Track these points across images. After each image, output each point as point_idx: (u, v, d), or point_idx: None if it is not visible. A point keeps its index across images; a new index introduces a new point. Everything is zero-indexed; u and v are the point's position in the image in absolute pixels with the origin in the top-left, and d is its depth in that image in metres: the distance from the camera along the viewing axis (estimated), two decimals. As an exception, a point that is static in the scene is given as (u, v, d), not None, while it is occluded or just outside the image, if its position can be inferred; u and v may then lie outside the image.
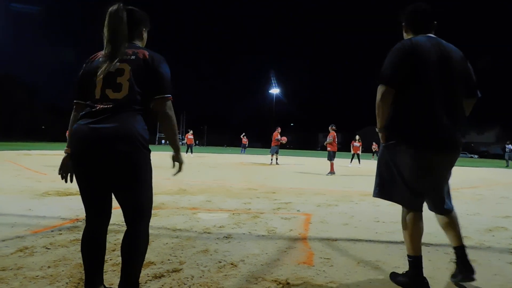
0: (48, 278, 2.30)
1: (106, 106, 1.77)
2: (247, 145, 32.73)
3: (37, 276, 2.34)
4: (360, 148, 19.43)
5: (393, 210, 4.83)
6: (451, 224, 2.41)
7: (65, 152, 1.97)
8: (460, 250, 2.38)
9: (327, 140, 11.98)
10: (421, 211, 2.32)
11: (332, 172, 11.75)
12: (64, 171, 2.03)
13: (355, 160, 19.23)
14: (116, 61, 1.82)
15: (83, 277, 2.22)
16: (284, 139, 16.56)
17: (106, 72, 1.81)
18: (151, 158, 1.90)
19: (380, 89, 2.25)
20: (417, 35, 2.37)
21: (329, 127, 12.10)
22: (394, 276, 2.46)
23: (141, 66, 1.83)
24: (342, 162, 18.85)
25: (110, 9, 1.87)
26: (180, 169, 2.07)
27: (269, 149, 16.96)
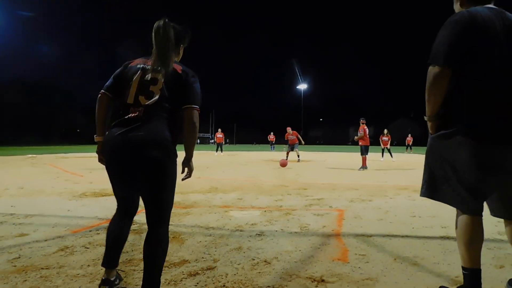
0: (89, 276, 2.37)
1: (137, 114, 1.92)
2: (274, 142, 32.74)
3: (78, 274, 2.42)
4: (389, 142, 18.96)
5: (431, 204, 4.67)
6: None
7: (97, 141, 2.15)
8: None
9: (358, 134, 11.76)
10: (481, 215, 1.96)
11: (364, 166, 11.51)
12: (101, 158, 2.21)
13: (387, 154, 18.79)
14: (152, 71, 1.98)
15: (121, 275, 2.28)
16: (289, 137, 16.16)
17: (142, 80, 1.98)
18: (177, 162, 2.02)
19: (432, 71, 1.92)
20: (473, 5, 2.01)
21: (360, 121, 11.87)
22: None
23: (174, 79, 1.98)
24: (374, 157, 18.46)
25: (157, 25, 2.01)
26: (189, 175, 2.16)
27: (298, 146, 16.48)
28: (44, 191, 6.35)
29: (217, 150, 23.59)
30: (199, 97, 2.04)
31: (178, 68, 2.02)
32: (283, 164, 11.62)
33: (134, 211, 2.22)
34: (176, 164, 2.01)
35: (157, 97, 1.94)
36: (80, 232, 3.50)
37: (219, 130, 23.87)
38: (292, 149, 16.34)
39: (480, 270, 1.94)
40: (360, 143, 11.73)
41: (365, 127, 11.75)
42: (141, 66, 2.03)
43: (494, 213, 2.07)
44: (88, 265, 2.58)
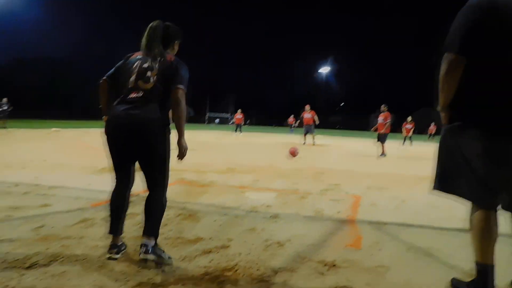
0: (106, 248, 2.45)
1: (137, 95, 2.28)
2: (294, 125, 32.54)
3: (96, 245, 2.51)
4: (412, 130, 18.62)
5: (449, 196, 4.59)
6: None
7: (105, 120, 2.41)
8: None
9: (379, 120, 11.53)
10: (495, 210, 1.90)
11: (383, 154, 11.36)
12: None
13: (407, 142, 18.51)
14: (148, 60, 2.34)
15: (138, 249, 2.36)
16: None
17: (140, 68, 2.33)
18: (170, 138, 2.37)
19: (446, 58, 1.83)
20: None
21: (381, 107, 11.63)
22: (456, 284, 2.08)
23: (166, 66, 2.32)
24: (394, 144, 18.19)
25: (151, 24, 2.42)
26: (183, 153, 2.37)
27: (313, 129, 16.10)
28: (66, 164, 6.54)
29: (236, 131, 23.64)
30: (185, 81, 2.33)
31: (170, 58, 2.38)
32: (293, 153, 8.94)
33: (131, 183, 2.51)
34: (168, 139, 2.36)
35: (153, 81, 2.29)
36: (100, 206, 3.61)
37: (239, 111, 23.81)
38: (307, 132, 16.04)
39: (493, 266, 1.90)
40: (382, 130, 11.50)
41: (388, 113, 11.49)
42: (140, 57, 2.39)
43: (506, 207, 1.99)
44: (107, 238, 2.66)
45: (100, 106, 2.49)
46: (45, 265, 2.14)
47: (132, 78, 2.32)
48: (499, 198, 1.95)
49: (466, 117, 1.90)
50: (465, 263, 2.47)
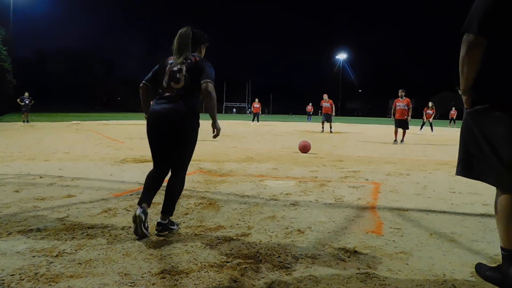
0: (130, 237, 2.51)
1: (170, 94, 2.67)
2: (311, 113, 32.24)
3: (120, 234, 2.57)
4: (433, 115, 18.21)
5: (472, 181, 4.49)
6: None
7: (145, 118, 2.82)
8: None
9: (401, 106, 11.19)
10: None
11: (402, 140, 11.14)
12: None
13: (427, 128, 18.12)
14: (178, 63, 2.69)
15: (160, 238, 2.41)
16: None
17: (171, 70, 2.69)
18: (198, 130, 2.75)
19: (466, 40, 1.79)
20: None
21: (399, 92, 11.30)
22: (481, 269, 2.02)
23: (192, 66, 2.68)
24: (414, 130, 17.88)
25: (180, 30, 2.77)
26: (217, 134, 2.74)
27: (331, 118, 16.22)
28: (88, 156, 6.69)
29: (253, 120, 23.65)
30: (212, 75, 2.67)
31: (196, 58, 2.73)
32: (304, 148, 7.91)
33: (166, 167, 2.78)
34: (196, 131, 2.72)
35: (182, 81, 2.65)
36: (121, 196, 3.68)
37: (256, 100, 23.79)
38: (325, 120, 16.21)
39: None
40: (399, 115, 11.24)
41: (407, 99, 11.21)
42: (171, 61, 2.74)
43: None
44: (130, 227, 2.72)
45: (142, 105, 2.97)
46: (71, 253, 2.20)
47: (166, 79, 2.71)
48: None
49: (490, 99, 1.84)
50: (490, 248, 2.43)
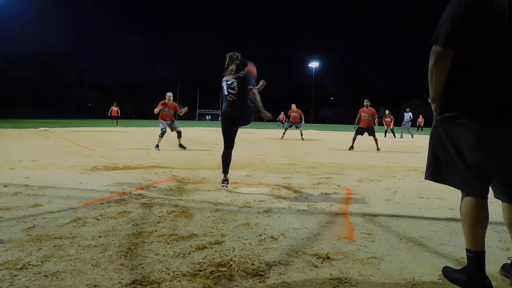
0: (100, 247, 2.44)
1: (230, 99, 4.42)
2: (284, 121, 32.63)
3: (90, 244, 2.49)
4: (392, 122, 18.85)
5: (439, 186, 4.64)
6: None
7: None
8: None
9: (365, 117, 11.41)
10: (486, 197, 1.93)
11: (378, 148, 11.30)
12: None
13: (391, 135, 18.74)
14: (232, 77, 4.44)
15: (131, 247, 2.36)
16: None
17: (228, 84, 4.42)
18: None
19: (434, 51, 1.87)
20: None
21: (365, 102, 11.55)
22: (448, 272, 2.10)
23: (241, 80, 4.38)
24: (380, 137, 18.34)
25: (231, 54, 4.53)
26: (268, 116, 4.46)
27: (301, 124, 16.74)
28: (56, 164, 6.47)
29: None
30: (254, 83, 4.45)
31: (241, 75, 4.44)
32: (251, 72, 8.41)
33: (232, 147, 4.65)
34: (249, 120, 4.70)
35: (236, 91, 4.38)
36: (92, 205, 3.58)
37: None
38: (291, 126, 16.76)
39: (484, 252, 1.93)
40: (370, 124, 11.44)
41: (372, 109, 11.44)
42: (227, 78, 4.49)
43: (497, 195, 2.09)
44: (100, 236, 2.65)
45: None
46: (37, 266, 2.11)
47: (226, 90, 4.46)
48: (491, 186, 2.02)
49: (457, 107, 1.92)
50: (456, 251, 2.52)
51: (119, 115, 26.10)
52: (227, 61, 4.49)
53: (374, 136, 11.43)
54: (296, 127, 16.69)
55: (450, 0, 1.91)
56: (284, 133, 17.19)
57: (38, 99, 59.57)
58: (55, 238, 2.59)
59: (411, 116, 19.60)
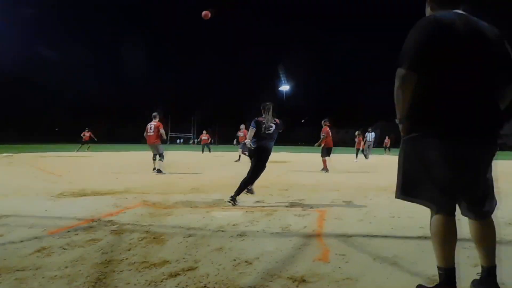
0: (66, 278, 2.33)
1: (266, 136, 5.34)
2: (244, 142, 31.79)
3: (55, 276, 2.37)
4: (361, 143, 19.24)
5: (409, 205, 4.74)
6: (486, 235, 2.07)
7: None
8: (490, 271, 2.05)
9: (321, 136, 11.45)
10: (454, 215, 1.99)
11: (325, 168, 11.30)
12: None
13: (361, 156, 19.13)
14: (268, 121, 5.38)
15: (100, 277, 2.26)
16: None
17: (265, 124, 5.32)
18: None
19: (399, 74, 1.96)
20: (442, 10, 2.07)
21: (322, 122, 11.54)
22: None
23: (281, 124, 5.54)
24: (353, 158, 18.69)
25: (267, 104, 5.52)
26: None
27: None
28: (20, 190, 6.18)
29: (203, 151, 23.53)
30: (284, 126, 5.60)
31: (277, 120, 5.47)
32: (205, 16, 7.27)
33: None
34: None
35: (272, 130, 5.35)
36: (58, 233, 3.43)
37: (204, 132, 23.61)
38: (242, 147, 16.40)
39: (454, 269, 1.98)
40: (322, 145, 11.47)
41: (328, 128, 11.49)
42: (264, 121, 5.35)
43: (463, 212, 2.14)
44: (66, 267, 2.53)
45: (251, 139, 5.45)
46: (-3, 301, 1.99)
47: (264, 129, 5.32)
48: (458, 203, 2.08)
49: (423, 127, 2.00)
50: (428, 269, 2.55)
51: (94, 139, 25.46)
52: (263, 109, 5.48)
53: (322, 155, 11.51)
54: (242, 148, 16.50)
55: (412, 27, 2.02)
56: (240, 156, 16.68)
57: (1, 123, 57.30)
58: (17, 270, 2.45)
59: (374, 136, 19.94)
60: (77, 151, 24.01)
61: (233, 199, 5.12)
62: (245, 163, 14.40)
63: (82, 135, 24.72)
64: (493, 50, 1.98)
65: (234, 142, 17.86)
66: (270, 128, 5.33)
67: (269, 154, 5.41)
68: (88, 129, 24.95)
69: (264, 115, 5.42)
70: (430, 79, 1.96)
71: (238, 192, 5.20)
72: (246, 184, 5.29)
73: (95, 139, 25.23)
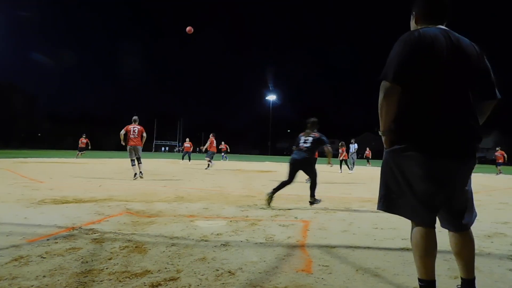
0: (45, 287, 2.27)
1: (303, 148, 6.22)
2: (227, 151, 31.04)
3: (32, 285, 2.31)
4: (344, 154, 19.41)
5: (392, 217, 4.80)
6: (466, 247, 2.11)
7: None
8: (469, 284, 2.09)
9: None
10: (434, 227, 2.03)
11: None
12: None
13: (345, 167, 19.29)
14: (307, 136, 6.29)
15: (79, 287, 2.21)
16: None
17: (303, 138, 6.35)
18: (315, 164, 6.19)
19: (383, 87, 2.00)
20: (426, 25, 2.14)
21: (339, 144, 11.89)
22: None
23: (316, 138, 6.22)
24: (337, 170, 18.82)
25: (311, 119, 6.37)
26: (330, 164, 7.43)
27: (210, 155, 17.35)
28: (-1, 197, 6.03)
29: (183, 159, 23.59)
30: (327, 141, 6.28)
31: (316, 134, 6.24)
32: (189, 31, 8.62)
33: (292, 181, 6.28)
34: (313, 164, 6.41)
35: (309, 143, 6.17)
36: (36, 241, 3.34)
37: (187, 139, 23.72)
38: (210, 155, 17.34)
39: (434, 281, 2.00)
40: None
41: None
42: (303, 135, 6.33)
43: (443, 224, 2.20)
44: (44, 276, 2.46)
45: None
46: (-29, 311, 1.92)
47: (301, 143, 6.26)
48: (437, 216, 2.11)
49: (405, 140, 2.03)
50: (410, 281, 2.57)
51: (89, 147, 26.11)
52: (308, 125, 6.35)
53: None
54: (208, 156, 17.37)
55: (396, 41, 2.08)
56: (209, 165, 17.39)
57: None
58: (-7, 279, 2.38)
59: (356, 148, 20.14)
60: (77, 157, 24.52)
61: (313, 199, 6.20)
62: (231, 174, 14.28)
63: (79, 141, 25.48)
64: (474, 66, 2.04)
65: (197, 149, 18.90)
66: (307, 141, 6.17)
67: (297, 164, 6.19)
68: (85, 135, 25.77)
69: (307, 130, 6.32)
70: (412, 93, 2.00)
71: (312, 192, 6.27)
72: (314, 187, 6.36)
73: (89, 147, 26.10)
